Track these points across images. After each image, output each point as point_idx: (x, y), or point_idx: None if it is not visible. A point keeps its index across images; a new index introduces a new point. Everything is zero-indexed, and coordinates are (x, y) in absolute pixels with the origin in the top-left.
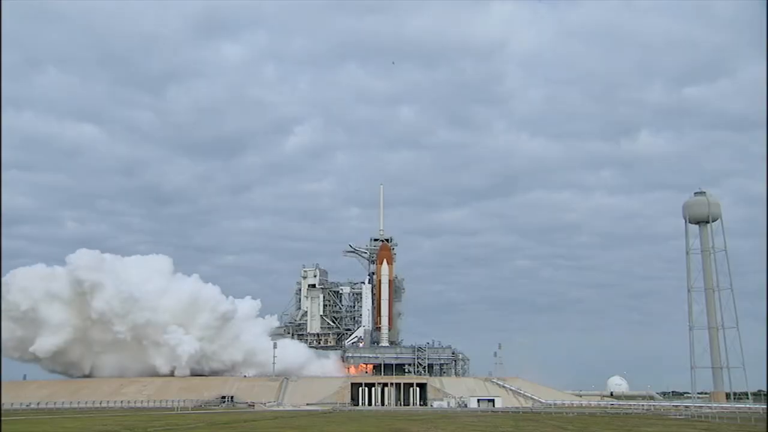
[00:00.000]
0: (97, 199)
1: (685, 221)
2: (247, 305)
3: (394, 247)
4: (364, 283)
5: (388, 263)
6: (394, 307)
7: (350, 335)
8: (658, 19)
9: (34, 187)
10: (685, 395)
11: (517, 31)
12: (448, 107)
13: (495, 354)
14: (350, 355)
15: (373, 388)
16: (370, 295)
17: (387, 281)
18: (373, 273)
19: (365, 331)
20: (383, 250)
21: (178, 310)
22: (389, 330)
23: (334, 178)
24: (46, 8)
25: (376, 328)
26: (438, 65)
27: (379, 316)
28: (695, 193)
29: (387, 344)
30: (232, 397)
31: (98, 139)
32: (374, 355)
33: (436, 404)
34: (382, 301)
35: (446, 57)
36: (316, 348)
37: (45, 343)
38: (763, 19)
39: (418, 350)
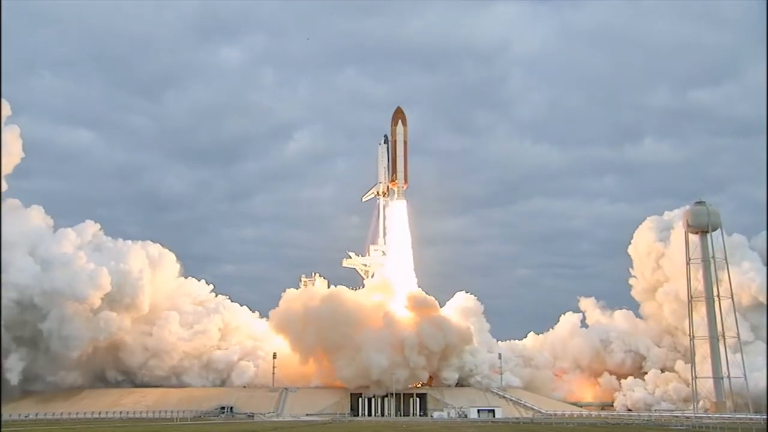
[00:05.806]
0: (94, 206)
1: (685, 230)
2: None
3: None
4: (380, 144)
5: (402, 124)
6: None
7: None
8: (662, 21)
9: (30, 194)
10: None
11: (520, 33)
12: (449, 112)
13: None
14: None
15: (372, 399)
16: (386, 154)
17: (402, 140)
18: (387, 135)
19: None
20: (397, 112)
21: None
22: (405, 184)
23: (335, 185)
24: (40, 10)
25: (392, 180)
26: (439, 69)
27: (395, 173)
28: (695, 203)
29: (402, 199)
30: (231, 408)
31: (94, 144)
32: None
33: (436, 415)
34: (397, 158)
35: (447, 60)
36: None
37: None
38: (763, 22)
39: None
